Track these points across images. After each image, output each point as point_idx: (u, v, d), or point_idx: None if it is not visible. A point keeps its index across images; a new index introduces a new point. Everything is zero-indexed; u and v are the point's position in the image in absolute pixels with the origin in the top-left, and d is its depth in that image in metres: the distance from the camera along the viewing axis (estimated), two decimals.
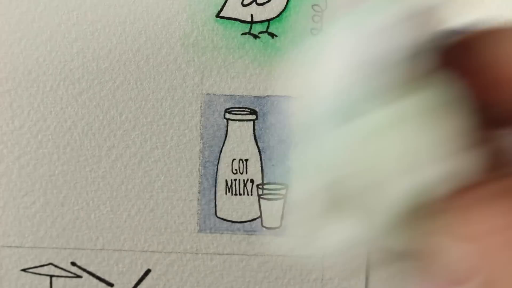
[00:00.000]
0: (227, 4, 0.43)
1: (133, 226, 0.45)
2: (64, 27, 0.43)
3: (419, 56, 0.20)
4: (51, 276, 0.46)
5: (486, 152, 0.20)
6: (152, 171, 0.45)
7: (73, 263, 0.46)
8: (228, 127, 0.44)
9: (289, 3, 0.43)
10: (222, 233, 0.45)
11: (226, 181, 0.45)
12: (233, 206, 0.45)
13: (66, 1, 0.43)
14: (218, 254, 0.46)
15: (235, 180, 0.45)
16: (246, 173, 0.45)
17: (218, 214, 0.45)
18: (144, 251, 0.46)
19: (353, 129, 0.21)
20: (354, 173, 0.21)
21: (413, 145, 0.20)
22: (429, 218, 0.20)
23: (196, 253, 0.46)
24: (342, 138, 0.21)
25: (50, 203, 0.45)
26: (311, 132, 0.23)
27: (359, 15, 0.21)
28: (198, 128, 0.44)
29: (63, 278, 0.46)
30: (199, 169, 0.45)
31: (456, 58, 0.22)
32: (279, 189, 0.45)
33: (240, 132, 0.44)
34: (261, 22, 0.43)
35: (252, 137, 0.45)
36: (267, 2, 0.43)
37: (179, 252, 0.46)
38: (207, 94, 0.44)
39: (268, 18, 0.43)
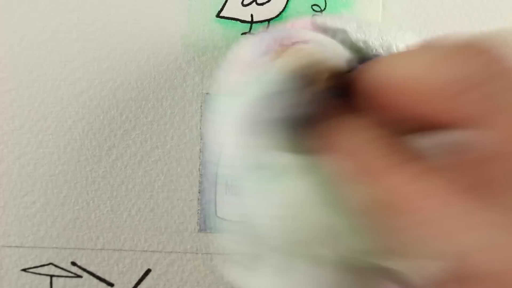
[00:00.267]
0: (227, 4, 0.43)
1: (133, 226, 0.45)
2: (64, 27, 0.43)
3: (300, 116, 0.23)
4: (51, 276, 0.46)
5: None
6: (152, 171, 0.45)
7: (73, 263, 0.46)
8: None
9: (289, 3, 0.43)
10: (222, 233, 0.46)
11: (226, 181, 0.45)
12: (233, 206, 0.45)
13: (66, 1, 0.43)
14: (218, 254, 0.46)
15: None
16: None
17: (218, 214, 0.45)
18: (144, 251, 0.46)
19: (257, 181, 0.23)
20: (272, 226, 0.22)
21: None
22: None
23: (196, 253, 0.46)
24: (253, 190, 0.23)
25: (50, 203, 0.45)
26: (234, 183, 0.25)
27: (245, 86, 0.23)
28: (198, 128, 0.44)
29: (63, 278, 0.46)
30: (199, 169, 0.45)
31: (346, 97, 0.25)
32: None
33: None
34: (261, 22, 0.43)
35: None
36: (267, 2, 0.43)
37: (179, 252, 0.46)
38: (207, 94, 0.44)
39: (268, 18, 0.43)
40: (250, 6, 0.43)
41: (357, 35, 0.27)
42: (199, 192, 0.45)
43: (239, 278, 0.23)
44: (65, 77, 0.43)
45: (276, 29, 0.36)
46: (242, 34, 0.44)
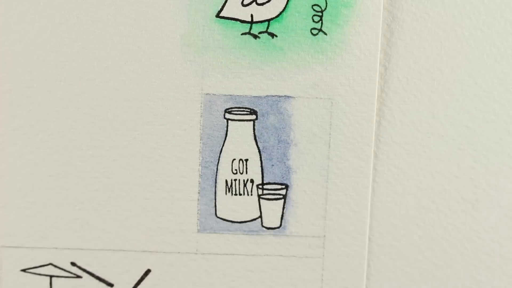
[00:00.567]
0: (227, 4, 0.43)
1: (133, 226, 0.45)
2: (64, 27, 0.43)
3: None
4: (51, 277, 0.46)
5: None
6: (152, 171, 0.45)
7: (73, 264, 0.46)
8: (228, 127, 0.44)
9: (289, 3, 0.43)
10: (222, 233, 0.45)
11: (226, 181, 0.45)
12: (233, 206, 0.45)
13: (66, 1, 0.43)
14: (218, 254, 0.46)
15: (235, 180, 0.45)
16: (246, 173, 0.45)
17: (218, 214, 0.45)
18: (144, 251, 0.46)
19: None
20: None
21: None
22: None
23: (196, 253, 0.46)
24: None
25: (50, 203, 0.45)
26: None
27: None
28: (198, 128, 0.44)
29: (63, 279, 0.46)
30: (199, 169, 0.45)
31: None
32: (279, 189, 0.45)
33: (240, 132, 0.44)
34: (261, 22, 0.43)
35: (252, 137, 0.45)
36: (267, 2, 0.43)
37: (179, 252, 0.46)
38: (207, 94, 0.44)
39: (268, 18, 0.43)
40: (250, 6, 0.43)
41: None
42: (199, 192, 0.45)
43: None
44: (65, 77, 0.43)
45: None
46: (242, 34, 0.44)
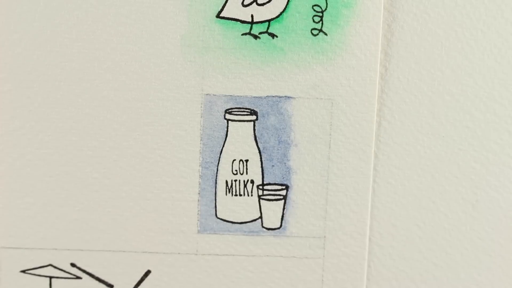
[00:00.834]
0: (227, 4, 0.43)
1: (133, 227, 0.45)
2: (64, 27, 0.43)
3: None
4: (51, 278, 0.46)
5: None
6: (152, 171, 0.45)
7: (72, 265, 0.45)
8: (228, 127, 0.44)
9: (289, 3, 0.43)
10: (222, 234, 0.45)
11: (226, 181, 0.45)
12: (233, 207, 0.45)
13: (66, 1, 0.43)
14: (218, 255, 0.46)
15: (235, 180, 0.45)
16: (246, 173, 0.45)
17: (218, 215, 0.45)
18: (144, 252, 0.45)
19: None
20: None
21: None
22: None
23: (196, 254, 0.46)
24: None
25: (50, 204, 0.45)
26: None
27: None
28: (198, 128, 0.44)
29: (62, 280, 0.46)
30: (199, 169, 0.45)
31: None
32: (279, 190, 0.45)
33: (240, 133, 0.44)
34: (261, 22, 0.43)
35: (252, 138, 0.45)
36: (267, 2, 0.43)
37: (179, 253, 0.46)
38: (207, 94, 0.44)
39: (269, 19, 0.43)
40: (250, 6, 0.43)
41: None
42: (199, 193, 0.45)
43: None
44: (65, 77, 0.43)
45: None
46: (242, 34, 0.44)
